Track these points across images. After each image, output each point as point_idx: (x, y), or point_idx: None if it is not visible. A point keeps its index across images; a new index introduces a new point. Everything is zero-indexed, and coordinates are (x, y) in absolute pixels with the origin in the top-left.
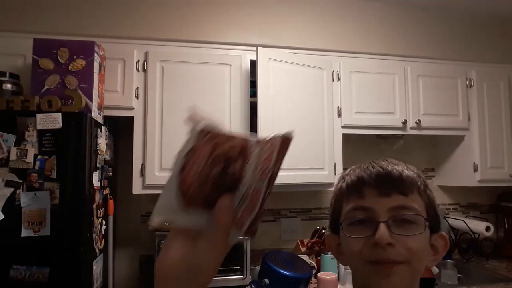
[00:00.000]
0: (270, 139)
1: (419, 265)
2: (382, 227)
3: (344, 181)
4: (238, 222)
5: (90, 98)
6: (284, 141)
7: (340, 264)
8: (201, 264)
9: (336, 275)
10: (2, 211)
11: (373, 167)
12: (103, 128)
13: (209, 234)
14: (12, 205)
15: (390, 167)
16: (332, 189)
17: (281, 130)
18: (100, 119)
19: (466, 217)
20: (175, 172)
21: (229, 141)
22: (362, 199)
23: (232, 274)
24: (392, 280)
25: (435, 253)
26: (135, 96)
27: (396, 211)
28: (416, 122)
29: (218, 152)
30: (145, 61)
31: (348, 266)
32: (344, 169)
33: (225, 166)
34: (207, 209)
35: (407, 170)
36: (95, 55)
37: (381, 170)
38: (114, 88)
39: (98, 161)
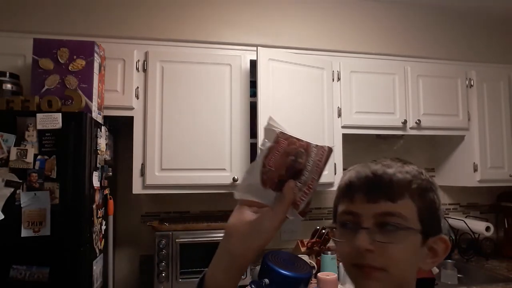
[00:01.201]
0: (323, 146)
1: (401, 273)
2: (363, 234)
3: (342, 180)
4: (295, 203)
5: (90, 98)
6: (330, 151)
7: (340, 264)
8: (264, 226)
9: (336, 275)
10: (2, 211)
11: (365, 171)
12: (103, 128)
13: (275, 206)
14: (12, 205)
15: (381, 171)
16: (332, 189)
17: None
18: (100, 119)
19: (466, 217)
20: (260, 157)
21: (299, 141)
22: (352, 204)
23: None
24: (371, 284)
25: (434, 256)
26: (135, 96)
27: (381, 218)
28: (416, 122)
29: (292, 147)
30: (145, 61)
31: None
32: (345, 169)
33: (295, 158)
34: (277, 189)
35: (400, 174)
36: (95, 55)
37: (370, 175)
38: (114, 88)
39: (98, 161)
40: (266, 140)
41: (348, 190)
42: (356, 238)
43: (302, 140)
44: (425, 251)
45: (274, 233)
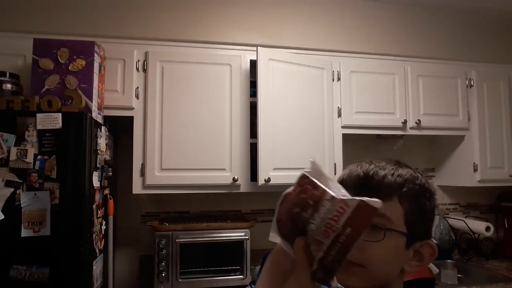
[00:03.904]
0: (346, 200)
1: (380, 271)
2: None
3: (337, 179)
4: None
5: (90, 98)
6: (363, 208)
7: None
8: None
9: None
10: (2, 211)
11: (357, 170)
12: (103, 128)
13: (295, 272)
14: (12, 205)
15: (372, 172)
16: None
17: (366, 198)
18: (100, 119)
19: (466, 217)
20: (278, 203)
21: (313, 190)
22: None
23: (232, 274)
24: (348, 279)
25: (420, 259)
26: (135, 96)
27: None
28: (416, 122)
29: (302, 196)
30: (145, 61)
31: None
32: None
33: (300, 210)
34: (289, 241)
35: (391, 176)
36: (95, 55)
37: (361, 175)
38: (114, 88)
39: (98, 161)
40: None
41: None
42: None
43: (318, 189)
44: (410, 254)
45: None
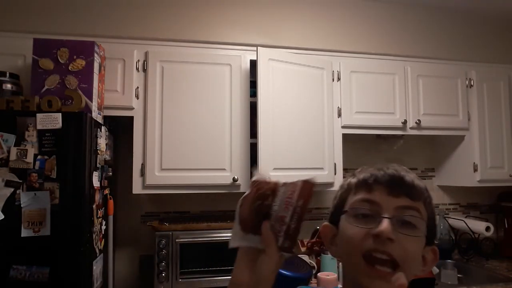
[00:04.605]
0: (294, 182)
1: (412, 271)
2: (386, 222)
3: (355, 177)
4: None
5: (90, 98)
6: (306, 184)
7: (340, 264)
8: (263, 273)
9: (336, 275)
10: (2, 211)
11: (387, 169)
12: (103, 128)
13: (266, 250)
14: (12, 205)
15: (403, 173)
16: (332, 189)
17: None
18: (100, 119)
19: (466, 217)
20: (237, 208)
21: (266, 185)
22: (370, 194)
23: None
24: (382, 285)
25: (424, 264)
26: (135, 96)
27: (401, 211)
28: (416, 122)
29: (259, 192)
30: (145, 61)
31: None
32: (345, 169)
33: (262, 201)
34: (257, 233)
35: (417, 180)
36: (95, 55)
37: (395, 173)
38: (114, 88)
39: (98, 161)
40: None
41: (365, 182)
42: (379, 225)
43: (270, 183)
44: (421, 257)
45: (273, 276)
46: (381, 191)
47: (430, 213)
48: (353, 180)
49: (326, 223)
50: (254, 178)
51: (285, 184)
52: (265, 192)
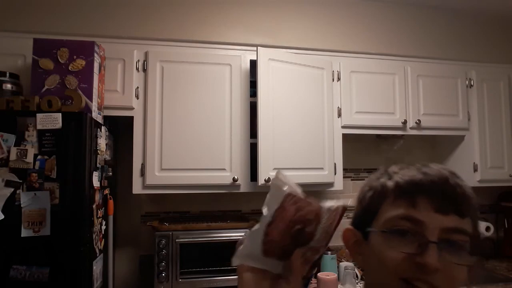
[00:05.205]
0: (335, 208)
1: None
2: (433, 250)
3: (391, 179)
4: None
5: (90, 98)
6: (344, 210)
7: (340, 264)
8: None
9: (336, 275)
10: (2, 211)
11: (432, 171)
12: (103, 128)
13: (288, 278)
14: (12, 205)
15: (454, 180)
16: (332, 189)
17: (341, 202)
18: (100, 119)
19: None
20: (264, 224)
21: (308, 206)
22: (414, 209)
23: (232, 274)
24: None
25: None
26: (135, 96)
27: (449, 234)
28: (416, 122)
29: (300, 214)
30: (145, 61)
31: (361, 268)
32: (345, 169)
33: (303, 226)
34: (282, 259)
35: (467, 187)
36: (95, 55)
37: (442, 179)
38: (114, 88)
39: (98, 161)
40: (271, 203)
41: (407, 193)
42: (424, 253)
43: (312, 204)
44: None
45: None
46: (426, 206)
47: (475, 226)
48: (389, 183)
49: (349, 227)
50: (285, 188)
51: (328, 210)
52: (307, 216)
